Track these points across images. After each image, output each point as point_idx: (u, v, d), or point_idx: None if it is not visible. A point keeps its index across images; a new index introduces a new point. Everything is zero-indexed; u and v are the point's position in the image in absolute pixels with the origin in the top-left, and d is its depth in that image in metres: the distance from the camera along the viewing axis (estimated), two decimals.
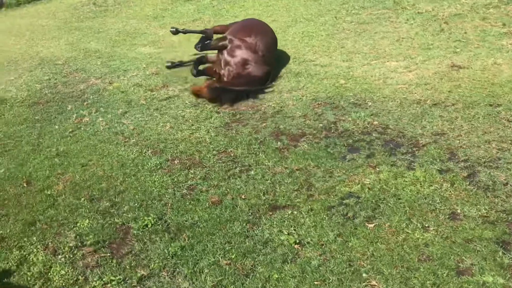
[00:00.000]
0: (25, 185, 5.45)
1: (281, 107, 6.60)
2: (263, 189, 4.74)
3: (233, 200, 4.61)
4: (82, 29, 13.06)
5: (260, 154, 5.39)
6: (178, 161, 5.50)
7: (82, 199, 5.01)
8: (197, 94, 7.13)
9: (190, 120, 6.54)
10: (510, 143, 4.95)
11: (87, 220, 4.61)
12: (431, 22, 9.47)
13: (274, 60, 7.83)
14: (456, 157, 4.87)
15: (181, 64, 8.95)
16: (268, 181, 4.86)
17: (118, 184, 5.19)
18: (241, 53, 7.33)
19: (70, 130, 6.76)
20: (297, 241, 3.92)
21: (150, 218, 4.43)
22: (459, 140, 5.15)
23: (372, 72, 7.38)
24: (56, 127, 6.94)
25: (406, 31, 9.20)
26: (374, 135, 5.39)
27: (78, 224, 4.59)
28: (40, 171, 5.69)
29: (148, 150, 5.84)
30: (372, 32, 9.55)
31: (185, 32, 9.06)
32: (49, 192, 5.21)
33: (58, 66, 9.77)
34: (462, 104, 5.94)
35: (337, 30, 9.91)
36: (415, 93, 6.31)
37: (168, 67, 8.94)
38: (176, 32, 8.98)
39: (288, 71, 7.99)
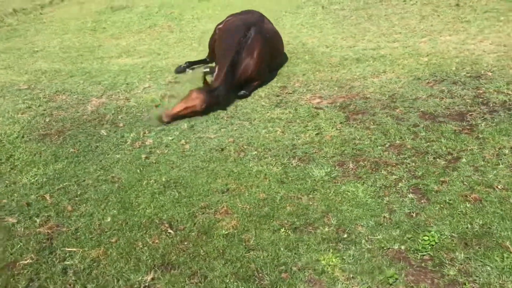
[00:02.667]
0: (170, 230, 3.88)
1: (388, 91, 5.77)
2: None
3: (495, 194, 3.69)
4: (6, 51, 10.74)
5: (443, 140, 4.53)
6: (351, 164, 4.40)
7: (282, 229, 3.67)
8: (179, 114, 5.93)
9: (297, 121, 5.41)
10: None
11: (335, 255, 3.31)
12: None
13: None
14: None
15: (190, 65, 7.78)
16: (501, 165, 4.03)
17: (310, 203, 3.95)
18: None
19: (144, 156, 5.17)
20: None
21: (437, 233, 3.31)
22: None
23: (440, 47, 6.93)
24: (118, 156, 5.27)
25: (419, 10, 8.95)
26: None
27: (326, 263, 3.27)
28: (169, 210, 4.17)
29: (290, 160, 4.61)
30: (381, 15, 9.15)
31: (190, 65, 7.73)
32: (224, 232, 3.78)
33: (24, 91, 7.74)
34: None
35: (338, 18, 9.33)
36: None
37: (178, 72, 7.58)
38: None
39: (342, 58, 7.16)
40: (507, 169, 4.02)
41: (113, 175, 4.91)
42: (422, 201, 3.83)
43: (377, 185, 4.09)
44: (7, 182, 4.99)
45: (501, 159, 4.16)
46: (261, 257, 3.48)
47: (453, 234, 3.41)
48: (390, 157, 4.46)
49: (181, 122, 5.92)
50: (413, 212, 3.71)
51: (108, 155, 5.36)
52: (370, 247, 3.43)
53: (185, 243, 3.76)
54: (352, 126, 5.09)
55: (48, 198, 4.62)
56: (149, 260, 3.60)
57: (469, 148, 4.40)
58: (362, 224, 3.66)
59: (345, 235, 3.59)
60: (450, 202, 3.74)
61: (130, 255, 3.67)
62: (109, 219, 4.16)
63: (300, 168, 4.51)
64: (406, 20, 8.33)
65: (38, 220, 4.28)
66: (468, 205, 3.66)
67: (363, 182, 4.15)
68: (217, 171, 4.71)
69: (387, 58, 6.76)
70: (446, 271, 3.13)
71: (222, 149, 5.11)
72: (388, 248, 3.39)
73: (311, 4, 10.52)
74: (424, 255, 3.29)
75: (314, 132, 5.12)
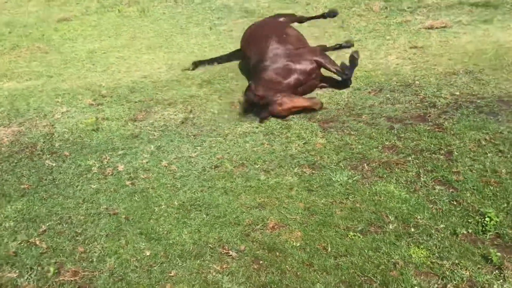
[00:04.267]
0: (231, 253, 3.71)
1: (340, 101, 6.30)
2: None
3: (505, 177, 4.39)
4: None
5: (425, 138, 5.18)
6: (366, 167, 4.72)
7: (351, 233, 3.82)
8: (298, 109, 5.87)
9: (275, 133, 5.56)
10: None
11: (420, 247, 3.60)
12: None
13: None
14: None
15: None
16: (489, 154, 4.80)
17: (357, 206, 4.16)
18: None
19: (129, 183, 4.76)
20: None
21: None
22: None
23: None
24: (94, 186, 4.74)
25: (310, 32, 9.76)
26: (479, 101, 5.86)
27: (418, 256, 3.54)
28: (210, 233, 3.98)
29: (301, 169, 4.76)
30: None
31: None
32: (296, 244, 3.74)
33: None
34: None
35: (231, 38, 9.66)
36: (438, 65, 7.07)
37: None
38: None
39: None
40: (496, 156, 4.68)
41: (105, 207, 4.31)
42: (451, 190, 4.23)
43: (402, 182, 4.39)
44: None
45: (484, 149, 4.82)
46: (355, 261, 3.47)
47: (502, 214, 3.85)
48: (392, 157, 4.80)
49: (142, 144, 5.43)
50: (453, 200, 4.08)
51: (77, 186, 4.68)
52: (443, 235, 3.69)
53: (260, 262, 3.52)
54: (334, 133, 5.32)
55: (38, 243, 3.85)
56: (235, 287, 3.26)
57: (452, 143, 4.98)
58: (419, 217, 3.90)
59: (413, 229, 3.79)
60: (476, 188, 4.21)
61: (207, 285, 3.27)
62: (147, 252, 3.65)
63: (317, 175, 4.56)
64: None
65: (51, 269, 3.50)
66: (492, 188, 4.16)
67: (389, 181, 4.40)
68: (231, 188, 4.48)
69: None
70: None
71: (217, 166, 4.86)
72: (460, 233, 3.67)
73: (192, 26, 10.49)
74: (492, 234, 3.64)
75: (301, 141, 5.21)
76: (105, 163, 5.06)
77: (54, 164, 5.11)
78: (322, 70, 6.43)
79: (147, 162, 5.01)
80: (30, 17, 12.54)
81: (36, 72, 8.34)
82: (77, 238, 3.93)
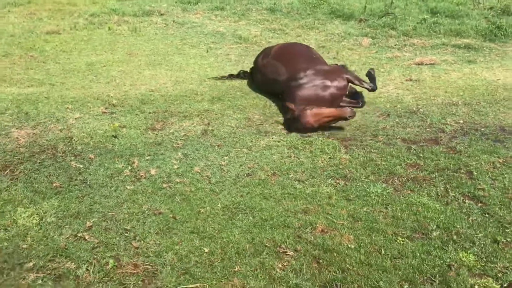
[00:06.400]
0: (289, 252, 3.86)
1: (352, 122, 6.62)
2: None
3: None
4: None
5: (442, 159, 5.49)
6: (397, 180, 5.00)
7: (399, 239, 4.06)
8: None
9: (298, 147, 5.76)
10: None
11: (468, 253, 3.88)
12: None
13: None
14: None
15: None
16: (506, 174, 5.19)
17: (399, 214, 4.40)
18: None
19: (166, 186, 4.83)
20: None
21: None
22: None
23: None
24: (130, 187, 4.81)
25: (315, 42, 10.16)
26: (483, 129, 6.33)
27: (468, 260, 3.81)
28: (261, 233, 4.09)
29: (335, 181, 5.00)
30: None
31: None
32: (351, 246, 3.91)
33: None
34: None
35: (230, 61, 9.92)
36: (437, 96, 7.55)
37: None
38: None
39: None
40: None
41: (147, 206, 4.35)
42: (480, 204, 4.53)
43: (433, 196, 4.66)
44: None
45: (500, 170, 5.19)
46: (411, 263, 3.65)
47: None
48: (418, 173, 5.08)
49: (168, 151, 5.50)
50: (485, 213, 4.37)
51: (111, 187, 4.70)
52: (485, 242, 3.94)
53: (320, 261, 3.68)
54: (356, 151, 5.57)
55: (87, 237, 3.83)
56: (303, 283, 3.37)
57: (469, 163, 5.33)
58: (459, 225, 4.15)
59: (455, 237, 4.02)
60: (502, 203, 4.53)
61: (273, 281, 3.36)
62: (206, 249, 3.70)
63: (351, 186, 4.77)
64: None
65: (110, 262, 3.50)
66: None
67: (421, 194, 4.66)
68: (270, 194, 4.62)
69: None
70: None
71: (249, 175, 4.99)
72: (501, 241, 3.94)
73: (188, 48, 10.68)
74: None
75: (326, 156, 5.42)
76: (135, 166, 5.07)
77: (81, 166, 5.06)
78: None
79: (178, 168, 5.05)
80: (15, 28, 12.36)
81: (36, 79, 8.22)
82: (127, 234, 3.91)
